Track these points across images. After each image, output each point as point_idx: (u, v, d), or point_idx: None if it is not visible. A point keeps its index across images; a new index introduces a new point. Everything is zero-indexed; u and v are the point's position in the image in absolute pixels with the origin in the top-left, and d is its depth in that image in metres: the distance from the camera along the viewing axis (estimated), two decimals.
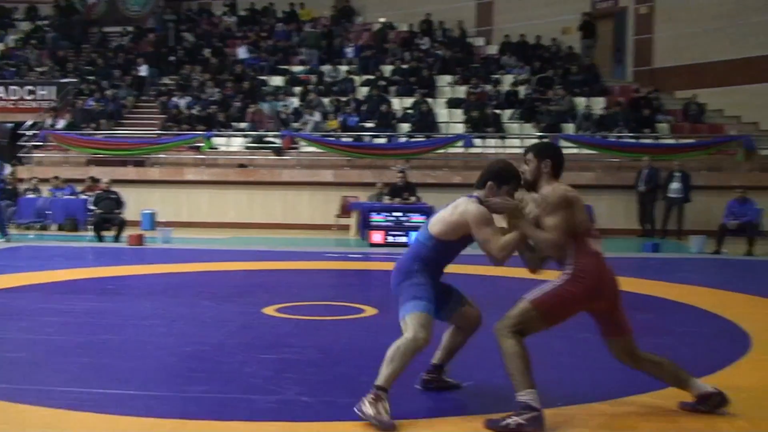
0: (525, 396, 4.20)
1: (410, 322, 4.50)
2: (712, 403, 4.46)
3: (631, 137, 19.07)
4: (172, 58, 24.83)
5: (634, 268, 11.42)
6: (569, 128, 19.57)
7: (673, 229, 16.78)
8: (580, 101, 20.46)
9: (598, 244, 4.48)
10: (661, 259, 13.07)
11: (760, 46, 20.60)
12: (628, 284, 9.46)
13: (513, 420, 4.17)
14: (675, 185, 16.70)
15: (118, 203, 15.53)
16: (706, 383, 4.55)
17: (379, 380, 4.36)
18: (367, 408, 4.25)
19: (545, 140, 5.29)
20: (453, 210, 4.66)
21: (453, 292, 4.91)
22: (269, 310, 7.68)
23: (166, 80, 23.72)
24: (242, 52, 24.77)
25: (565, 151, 20.56)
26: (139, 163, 19.93)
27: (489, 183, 4.64)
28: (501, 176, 4.64)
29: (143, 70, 24.05)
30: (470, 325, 4.91)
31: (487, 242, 4.50)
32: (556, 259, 4.50)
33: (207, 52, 24.98)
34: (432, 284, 4.68)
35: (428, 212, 13.84)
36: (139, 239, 14.20)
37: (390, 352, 4.42)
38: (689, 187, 16.76)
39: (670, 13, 22.70)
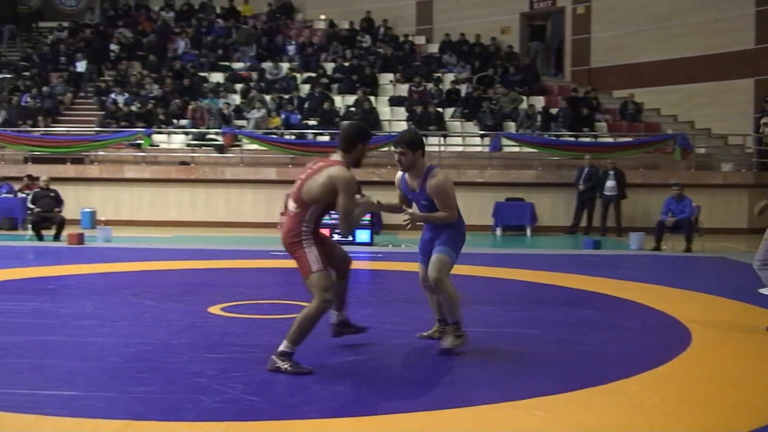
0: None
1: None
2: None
3: (571, 136, 19.36)
4: (111, 53, 24.44)
5: (575, 265, 11.61)
6: (511, 127, 19.78)
7: (613, 226, 17.09)
8: (522, 100, 20.74)
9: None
10: (601, 256, 13.25)
11: (694, 46, 21.10)
12: (569, 280, 9.70)
13: None
14: (610, 183, 17.02)
15: (57, 201, 15.17)
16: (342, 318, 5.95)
17: None
18: None
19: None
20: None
21: None
22: (214, 309, 7.61)
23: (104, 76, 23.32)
24: (181, 48, 24.49)
25: (506, 149, 20.56)
26: (77, 161, 19.53)
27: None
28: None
29: (80, 66, 23.60)
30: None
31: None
32: None
33: (145, 47, 24.63)
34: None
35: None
36: (79, 238, 13.94)
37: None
38: (624, 185, 17.09)
39: (606, 14, 23.11)
